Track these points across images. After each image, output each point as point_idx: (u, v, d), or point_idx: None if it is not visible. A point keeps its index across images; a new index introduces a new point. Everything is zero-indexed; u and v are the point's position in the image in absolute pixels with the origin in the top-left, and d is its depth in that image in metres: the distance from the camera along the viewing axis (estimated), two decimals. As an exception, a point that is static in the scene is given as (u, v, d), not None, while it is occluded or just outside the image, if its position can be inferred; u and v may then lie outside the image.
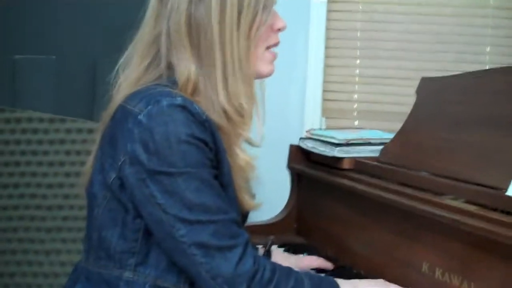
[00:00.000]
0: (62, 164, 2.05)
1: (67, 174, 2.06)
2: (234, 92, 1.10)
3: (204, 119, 1.05)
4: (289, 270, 1.12)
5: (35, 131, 2.05)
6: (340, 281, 1.17)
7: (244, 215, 1.20)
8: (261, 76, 1.20)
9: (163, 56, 1.13)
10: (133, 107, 1.06)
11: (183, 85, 1.09)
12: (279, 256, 1.45)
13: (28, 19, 2.28)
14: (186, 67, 1.09)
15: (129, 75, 1.15)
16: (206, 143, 1.05)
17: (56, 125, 2.05)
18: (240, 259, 1.05)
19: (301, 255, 1.50)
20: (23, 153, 2.05)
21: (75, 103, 2.27)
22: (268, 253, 1.43)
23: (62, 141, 2.05)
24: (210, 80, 1.10)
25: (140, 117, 1.03)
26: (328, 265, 1.46)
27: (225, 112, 1.10)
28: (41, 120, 2.05)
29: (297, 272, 1.13)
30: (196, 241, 1.03)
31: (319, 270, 1.44)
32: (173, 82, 1.10)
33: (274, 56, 1.20)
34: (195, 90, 1.09)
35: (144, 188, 1.03)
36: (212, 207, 1.04)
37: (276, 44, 1.20)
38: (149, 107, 1.03)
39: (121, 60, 1.17)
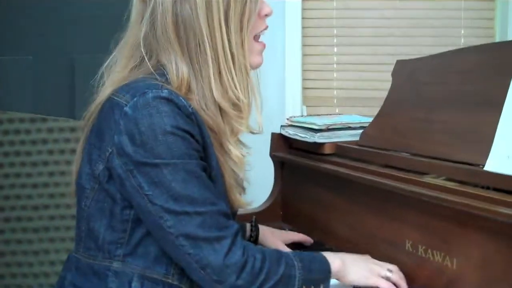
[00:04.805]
0: (45, 163, 2.04)
1: (51, 174, 2.05)
2: (230, 87, 1.11)
3: (190, 111, 1.05)
4: (279, 255, 1.12)
5: (16, 132, 2.03)
6: (328, 256, 1.18)
7: (233, 213, 1.20)
8: (251, 68, 1.19)
9: (151, 58, 1.12)
10: (120, 98, 1.07)
11: (177, 86, 1.08)
12: (266, 230, 1.47)
13: (2, 20, 2.27)
14: (178, 68, 1.09)
15: (115, 76, 1.14)
16: (192, 135, 1.05)
17: (38, 125, 2.04)
18: (229, 250, 1.05)
19: (283, 230, 1.54)
20: (6, 154, 2.03)
21: (55, 102, 2.26)
22: (256, 228, 1.46)
23: (44, 141, 2.04)
24: (202, 78, 1.10)
25: (126, 108, 1.04)
26: (308, 239, 1.51)
27: (220, 107, 1.10)
28: (22, 120, 2.03)
29: (287, 255, 1.13)
30: (183, 232, 1.03)
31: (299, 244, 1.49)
32: (162, 75, 1.10)
33: (263, 47, 1.20)
34: (188, 90, 1.09)
35: (132, 179, 1.04)
36: (199, 198, 1.04)
37: (265, 29, 1.20)
38: (135, 98, 1.04)
39: (106, 63, 1.17)
